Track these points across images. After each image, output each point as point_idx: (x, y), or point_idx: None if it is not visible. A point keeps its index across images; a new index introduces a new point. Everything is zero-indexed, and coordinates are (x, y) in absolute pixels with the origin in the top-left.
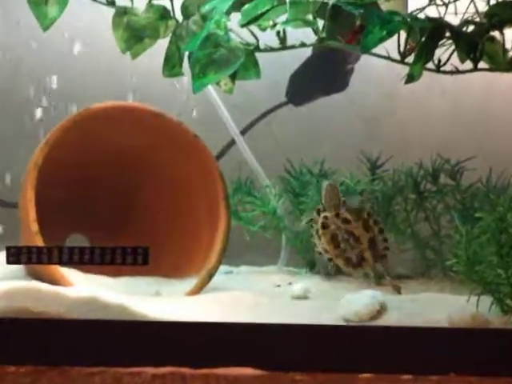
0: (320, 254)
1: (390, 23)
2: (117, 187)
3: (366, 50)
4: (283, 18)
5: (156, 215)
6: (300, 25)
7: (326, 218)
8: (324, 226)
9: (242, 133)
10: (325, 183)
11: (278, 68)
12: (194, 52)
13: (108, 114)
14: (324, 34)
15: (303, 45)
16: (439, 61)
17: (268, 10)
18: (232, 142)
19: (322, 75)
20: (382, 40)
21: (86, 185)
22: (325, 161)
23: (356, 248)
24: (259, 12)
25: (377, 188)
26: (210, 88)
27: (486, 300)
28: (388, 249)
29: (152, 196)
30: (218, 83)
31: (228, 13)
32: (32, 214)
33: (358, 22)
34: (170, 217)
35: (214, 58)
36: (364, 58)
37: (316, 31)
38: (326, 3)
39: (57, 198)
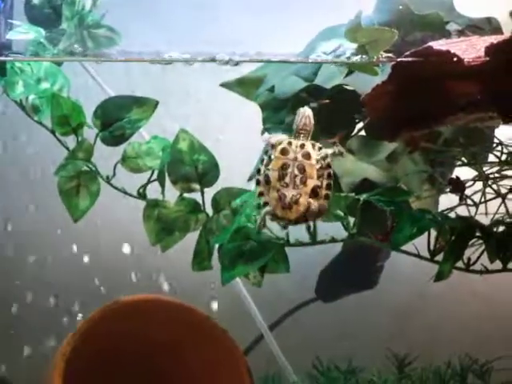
0: (258, 182)
1: (420, 221)
2: (144, 379)
3: (396, 247)
4: None
5: None
6: (331, 219)
7: (290, 143)
8: (283, 152)
9: (271, 328)
10: (303, 108)
11: (308, 263)
12: (224, 244)
13: (137, 306)
14: (355, 230)
15: (333, 240)
16: (469, 260)
17: None
18: (260, 337)
19: (351, 272)
20: (412, 237)
21: (113, 376)
22: (353, 357)
23: (297, 188)
24: None
25: None
26: (239, 282)
27: None
28: (325, 207)
29: None
30: (246, 276)
31: (258, 207)
32: None
33: (389, 222)
34: None
35: (243, 251)
36: (393, 255)
37: (346, 227)
38: (358, 199)
39: None
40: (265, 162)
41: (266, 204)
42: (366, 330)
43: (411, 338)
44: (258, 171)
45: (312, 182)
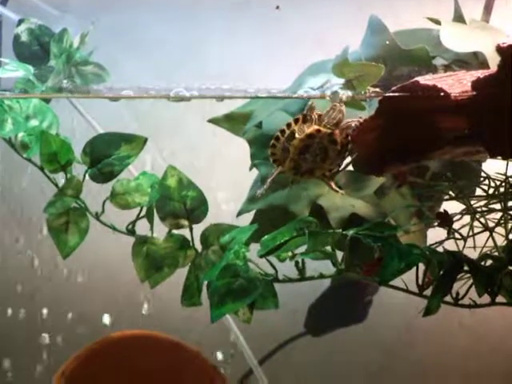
0: (273, 145)
1: (408, 256)
2: None
3: (385, 282)
4: (302, 248)
5: None
6: (319, 256)
7: (318, 131)
8: (310, 136)
9: (260, 362)
10: (339, 104)
11: (297, 297)
12: (213, 282)
13: (126, 342)
14: (343, 266)
15: (322, 276)
16: (457, 294)
17: (287, 241)
18: (250, 372)
19: (340, 306)
20: (400, 272)
21: None
22: None
23: (315, 163)
24: (278, 243)
25: None
26: (228, 317)
27: None
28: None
29: None
30: (236, 313)
31: (247, 243)
32: None
33: (376, 254)
34: None
35: (232, 288)
36: (382, 289)
37: (335, 263)
38: (345, 235)
39: None
40: (286, 134)
41: (276, 161)
42: (355, 364)
43: (400, 371)
44: (277, 138)
45: (330, 162)
